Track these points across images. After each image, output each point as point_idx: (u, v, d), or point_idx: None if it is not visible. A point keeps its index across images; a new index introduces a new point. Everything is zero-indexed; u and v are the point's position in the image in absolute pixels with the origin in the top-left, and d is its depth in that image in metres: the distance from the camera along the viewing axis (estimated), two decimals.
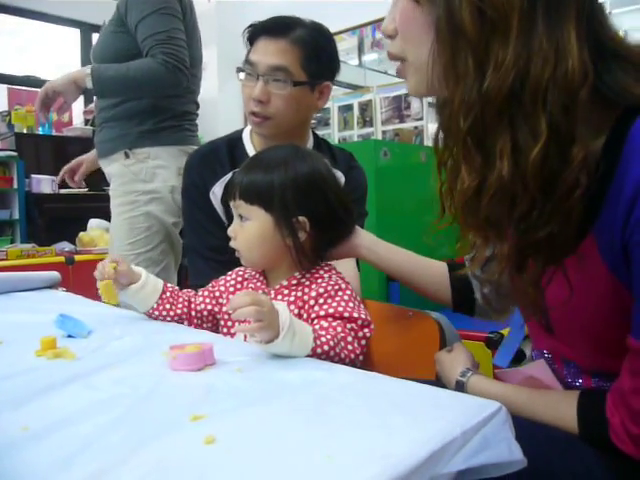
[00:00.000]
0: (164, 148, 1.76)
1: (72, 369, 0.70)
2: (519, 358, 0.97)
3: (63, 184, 2.20)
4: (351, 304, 0.90)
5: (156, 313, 0.98)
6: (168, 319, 0.99)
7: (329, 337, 0.81)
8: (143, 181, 1.74)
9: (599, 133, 0.60)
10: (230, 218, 1.21)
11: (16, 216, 4.23)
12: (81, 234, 3.76)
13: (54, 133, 4.67)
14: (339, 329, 0.85)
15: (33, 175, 4.35)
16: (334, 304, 0.89)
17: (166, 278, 1.07)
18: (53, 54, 5.20)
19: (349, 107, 4.72)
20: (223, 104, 4.51)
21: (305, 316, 0.92)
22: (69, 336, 0.86)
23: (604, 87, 0.60)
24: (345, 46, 5.27)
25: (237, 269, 1.04)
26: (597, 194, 0.60)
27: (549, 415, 0.70)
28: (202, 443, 0.47)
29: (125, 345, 0.81)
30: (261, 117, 1.20)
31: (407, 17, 0.67)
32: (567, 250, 0.63)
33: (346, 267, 1.07)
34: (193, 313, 1.01)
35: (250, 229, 0.94)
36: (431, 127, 4.18)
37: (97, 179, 2.28)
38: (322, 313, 0.89)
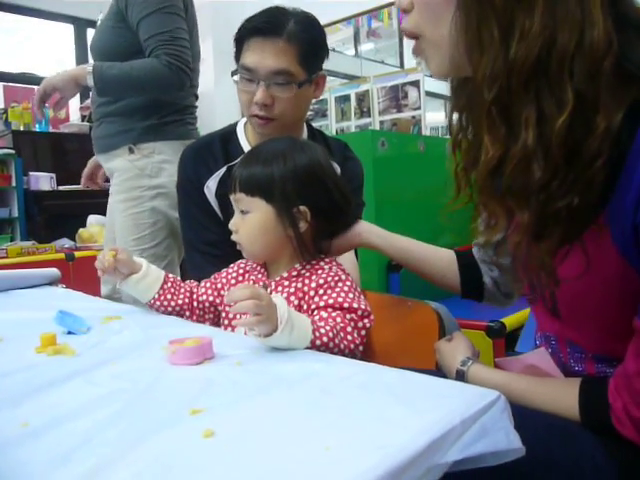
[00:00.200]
0: (168, 143, 1.76)
1: (72, 365, 0.70)
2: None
3: (87, 192, 2.20)
4: (351, 295, 0.90)
5: (157, 304, 0.99)
6: (169, 309, 0.99)
7: (328, 328, 0.81)
8: (149, 176, 1.73)
9: (619, 107, 0.60)
10: (225, 212, 1.22)
11: (15, 214, 4.23)
12: (81, 230, 3.76)
13: (51, 130, 4.66)
14: (338, 319, 0.85)
15: (31, 172, 4.35)
16: (334, 295, 0.89)
17: (170, 272, 1.07)
18: (48, 50, 5.18)
19: (346, 98, 4.70)
20: (220, 97, 4.50)
21: (305, 307, 0.92)
22: (69, 332, 0.87)
23: (625, 60, 0.60)
24: (341, 36, 5.24)
25: (239, 261, 1.04)
26: (610, 173, 0.60)
27: (550, 403, 0.71)
28: (201, 437, 0.48)
29: (124, 340, 0.81)
30: (265, 119, 1.19)
31: None
32: (586, 223, 0.62)
33: (345, 258, 1.07)
34: (195, 304, 1.01)
35: (252, 221, 0.94)
36: (429, 116, 4.17)
37: None
38: (322, 304, 0.89)
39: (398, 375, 0.63)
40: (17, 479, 0.43)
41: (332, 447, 0.45)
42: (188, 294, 1.01)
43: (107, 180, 2.10)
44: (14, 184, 4.21)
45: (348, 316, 0.87)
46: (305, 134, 1.31)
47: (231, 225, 0.98)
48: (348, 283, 0.92)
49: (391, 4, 4.79)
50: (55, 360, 0.73)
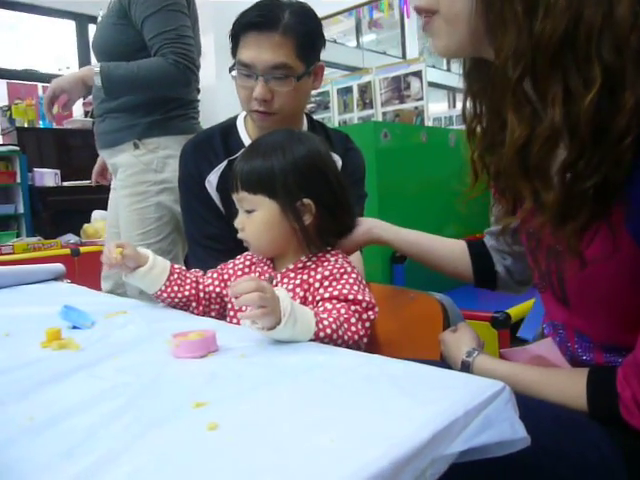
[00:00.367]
0: (173, 137, 1.76)
1: (77, 359, 0.70)
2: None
3: (91, 187, 2.22)
4: (355, 287, 0.90)
5: (164, 295, 0.99)
6: (177, 300, 0.99)
7: (331, 320, 0.81)
8: (155, 171, 1.74)
9: None
10: (227, 206, 1.22)
11: (21, 210, 4.25)
12: (86, 226, 3.78)
13: (55, 126, 4.66)
14: (343, 311, 0.85)
15: (36, 169, 4.36)
16: (339, 287, 0.89)
17: None
18: (50, 47, 5.18)
19: (348, 89, 4.69)
20: (222, 91, 4.49)
21: (310, 299, 0.92)
22: (74, 327, 0.87)
23: None
24: (342, 28, 5.23)
25: (245, 253, 1.04)
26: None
27: (557, 393, 0.70)
28: (205, 430, 0.48)
29: (129, 334, 0.82)
30: (266, 114, 1.18)
31: None
32: (611, 203, 0.61)
33: None
34: (201, 295, 1.01)
35: (257, 219, 0.94)
36: (431, 107, 4.16)
37: None
38: (327, 295, 0.89)
39: (402, 366, 0.63)
40: (22, 472, 0.43)
41: (336, 439, 0.45)
42: (194, 284, 1.01)
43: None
44: (19, 180, 4.22)
45: (353, 308, 0.87)
46: (305, 126, 1.31)
47: (236, 224, 0.97)
48: (353, 275, 0.92)
49: None
50: (60, 355, 0.74)
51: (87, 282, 1.39)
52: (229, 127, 1.30)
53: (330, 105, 4.82)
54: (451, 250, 1.07)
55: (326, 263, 0.95)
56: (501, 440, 0.48)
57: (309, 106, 4.96)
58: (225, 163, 1.24)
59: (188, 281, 1.00)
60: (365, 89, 4.59)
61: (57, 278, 1.35)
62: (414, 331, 1.10)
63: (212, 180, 1.24)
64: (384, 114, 4.45)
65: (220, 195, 1.23)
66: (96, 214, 3.80)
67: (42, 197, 4.26)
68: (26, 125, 4.51)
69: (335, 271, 0.92)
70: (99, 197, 2.31)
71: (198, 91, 1.90)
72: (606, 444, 0.64)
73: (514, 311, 2.01)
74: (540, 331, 0.89)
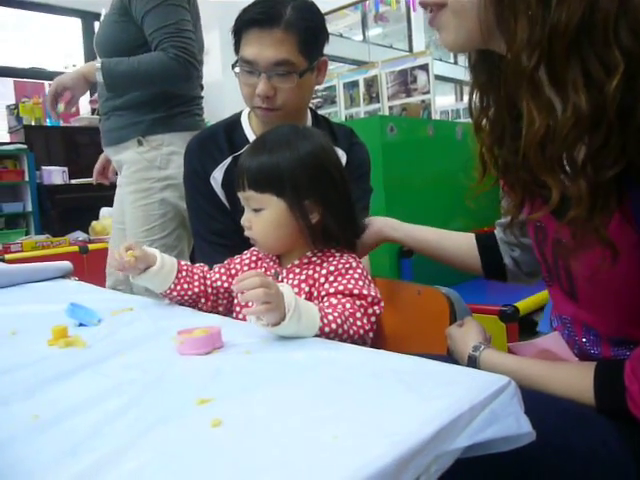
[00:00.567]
0: (177, 134, 1.76)
1: (83, 357, 0.71)
2: (531, 328, 0.98)
3: (99, 185, 2.23)
4: (360, 282, 0.90)
5: (174, 294, 0.98)
6: (186, 298, 0.99)
7: (336, 315, 0.81)
8: (158, 168, 1.75)
9: None
10: (232, 202, 1.22)
11: (29, 208, 4.28)
12: (94, 223, 3.80)
13: (62, 124, 4.69)
14: (348, 306, 0.85)
15: (44, 167, 4.39)
16: (344, 281, 0.89)
17: None
18: (57, 45, 5.19)
19: (355, 84, 4.67)
20: (228, 87, 4.49)
21: (315, 294, 0.92)
22: (80, 325, 0.87)
23: None
24: (348, 22, 5.21)
25: (252, 249, 1.04)
26: None
27: (564, 387, 0.70)
28: (209, 426, 0.48)
29: (135, 331, 0.82)
30: (269, 109, 1.18)
31: None
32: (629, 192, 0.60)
33: None
34: (209, 290, 1.01)
35: (265, 217, 0.94)
36: (438, 100, 4.14)
37: None
38: (332, 290, 0.89)
39: (408, 362, 0.62)
40: (27, 470, 0.44)
41: (340, 436, 0.44)
42: (202, 280, 1.01)
43: (117, 174, 2.11)
44: (27, 179, 4.25)
45: (358, 302, 0.87)
46: (309, 121, 1.31)
47: (243, 222, 0.97)
48: (359, 270, 0.92)
49: None
50: (66, 352, 0.74)
51: (95, 279, 1.39)
52: (233, 123, 1.30)
53: (336, 99, 4.81)
54: (459, 244, 1.07)
55: (331, 258, 0.95)
56: (506, 435, 0.47)
57: (315, 101, 4.95)
58: (230, 159, 1.24)
59: (196, 277, 1.00)
60: (372, 83, 4.57)
61: (65, 276, 1.36)
62: (421, 326, 1.10)
63: (217, 176, 1.24)
64: (391, 108, 4.43)
65: (225, 191, 1.23)
66: (104, 211, 3.81)
67: (50, 195, 4.29)
68: (33, 123, 4.53)
69: (340, 266, 0.92)
70: (107, 194, 2.32)
71: (201, 88, 1.90)
72: (614, 438, 0.64)
73: (522, 304, 2.00)
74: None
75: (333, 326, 0.79)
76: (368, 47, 5.18)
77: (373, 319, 0.88)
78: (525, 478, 0.60)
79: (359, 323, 0.84)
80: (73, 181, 4.42)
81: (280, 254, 1.01)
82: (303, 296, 0.91)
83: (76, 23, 5.17)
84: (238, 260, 1.05)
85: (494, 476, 0.57)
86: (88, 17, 5.12)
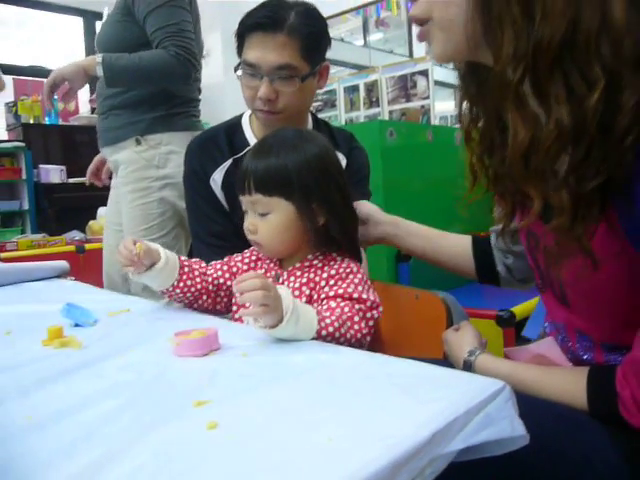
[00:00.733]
0: (175, 134, 1.77)
1: (78, 358, 0.70)
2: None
3: (92, 186, 2.23)
4: (360, 287, 0.90)
5: (177, 290, 0.95)
6: (188, 295, 0.96)
7: (334, 318, 0.81)
8: (156, 167, 1.75)
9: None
10: (231, 204, 1.22)
11: (26, 206, 4.26)
12: (91, 222, 3.79)
13: (61, 122, 4.68)
14: (346, 309, 0.85)
15: (41, 165, 4.38)
16: (344, 285, 0.89)
17: None
18: (57, 43, 5.19)
19: (355, 88, 4.68)
20: (230, 88, 4.50)
21: (315, 297, 0.92)
22: (76, 325, 0.87)
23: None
24: (350, 26, 5.22)
25: (251, 248, 1.03)
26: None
27: (558, 392, 0.70)
28: (205, 429, 0.47)
29: (131, 333, 0.82)
30: (270, 112, 1.18)
31: None
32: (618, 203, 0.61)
33: None
34: (210, 287, 0.99)
35: (272, 221, 0.93)
36: (438, 105, 4.15)
37: None
38: (332, 294, 0.89)
39: (404, 365, 0.63)
40: (22, 470, 0.44)
41: (335, 438, 0.44)
42: (203, 276, 0.99)
43: (110, 176, 2.12)
44: (24, 177, 4.24)
45: (357, 306, 0.87)
46: (310, 125, 1.31)
47: (248, 226, 0.95)
48: (359, 275, 0.92)
49: None
50: (61, 353, 0.73)
51: (92, 279, 1.39)
52: (234, 125, 1.30)
53: (337, 103, 4.82)
54: (454, 244, 1.07)
55: (332, 262, 0.95)
56: (500, 438, 0.48)
57: (316, 104, 4.95)
58: (230, 161, 1.24)
59: (197, 273, 0.98)
60: (372, 87, 4.58)
61: (61, 275, 1.36)
62: (418, 330, 1.10)
63: (217, 178, 1.24)
64: (390, 113, 4.44)
65: (225, 193, 1.23)
66: (102, 211, 3.80)
67: (47, 194, 4.27)
68: (32, 121, 4.52)
69: (341, 270, 0.92)
70: (105, 194, 2.32)
71: (199, 91, 1.91)
72: (607, 444, 0.64)
73: (519, 309, 2.00)
74: (542, 331, 0.89)
75: (330, 329, 0.79)
76: (369, 52, 5.20)
77: (371, 323, 0.88)
78: None
79: (356, 327, 0.84)
80: (71, 180, 4.41)
81: (282, 257, 1.00)
82: (304, 299, 0.91)
83: (77, 22, 5.17)
84: (240, 258, 1.03)
85: None
86: (89, 16, 5.12)
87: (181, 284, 0.95)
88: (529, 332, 0.98)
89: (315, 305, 0.88)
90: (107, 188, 2.22)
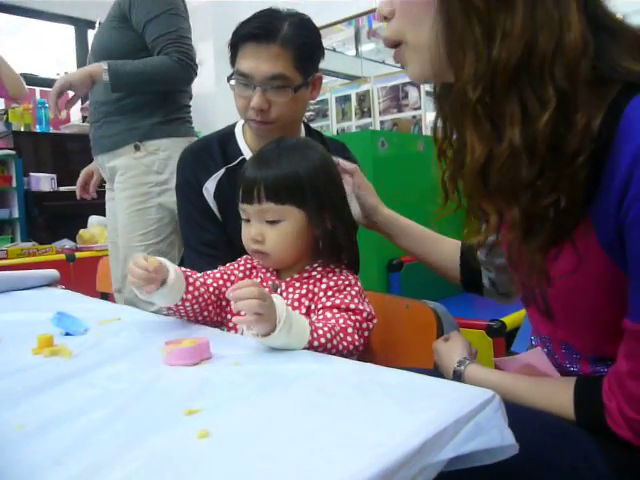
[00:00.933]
0: (173, 140, 1.80)
1: (68, 367, 0.70)
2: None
3: (82, 199, 2.23)
4: (356, 300, 0.91)
5: (187, 304, 0.90)
6: (195, 307, 0.91)
7: (326, 329, 0.81)
8: (156, 173, 1.78)
9: (599, 106, 0.61)
10: (224, 213, 1.22)
11: (16, 215, 4.22)
12: (81, 231, 3.76)
13: (52, 130, 4.65)
14: (341, 321, 0.86)
15: (32, 173, 4.34)
16: (341, 296, 0.90)
17: None
18: (49, 51, 5.18)
19: (347, 98, 4.70)
20: (221, 98, 4.50)
21: (313, 307, 0.92)
22: (66, 334, 0.87)
23: (600, 62, 0.61)
24: (342, 37, 5.24)
25: (245, 257, 1.03)
26: (593, 174, 0.60)
27: (546, 402, 0.71)
28: (195, 438, 0.48)
29: (121, 341, 0.81)
30: (263, 122, 1.19)
31: None
32: (574, 221, 0.63)
33: None
34: (213, 297, 0.95)
35: (285, 230, 0.92)
36: (429, 116, 4.17)
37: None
38: (328, 304, 0.90)
39: (394, 375, 0.63)
40: (12, 479, 0.43)
41: (326, 447, 0.45)
42: (205, 286, 0.94)
43: (101, 185, 2.11)
44: (14, 185, 4.20)
45: (353, 317, 0.88)
46: (303, 134, 1.32)
47: (255, 236, 0.93)
48: (356, 288, 0.93)
49: None
50: (52, 361, 0.73)
51: (82, 288, 1.38)
52: (227, 135, 1.31)
53: (328, 113, 4.83)
54: (444, 251, 1.09)
55: (331, 274, 0.95)
56: (490, 447, 0.48)
57: (308, 114, 4.97)
58: (223, 171, 1.24)
59: (199, 284, 0.93)
60: (363, 98, 4.60)
61: (51, 284, 1.35)
62: (408, 339, 1.10)
63: (209, 188, 1.24)
64: (382, 123, 4.45)
65: (217, 202, 1.24)
66: (92, 219, 3.79)
67: (38, 202, 4.23)
68: (22, 129, 4.49)
69: (340, 282, 0.93)
70: (95, 202, 2.32)
71: (190, 97, 1.95)
72: (596, 454, 0.64)
73: (510, 319, 2.01)
74: (530, 345, 0.90)
75: (322, 340, 0.79)
76: (361, 62, 5.22)
77: (366, 334, 0.89)
78: None
79: (349, 338, 0.85)
80: (62, 188, 4.37)
81: (283, 267, 0.99)
82: (303, 310, 0.92)
83: (69, 30, 5.16)
84: (235, 266, 1.02)
85: None
86: (81, 25, 5.11)
87: (189, 296, 0.90)
88: (518, 347, 0.99)
89: (312, 316, 0.88)
90: (98, 196, 2.21)
